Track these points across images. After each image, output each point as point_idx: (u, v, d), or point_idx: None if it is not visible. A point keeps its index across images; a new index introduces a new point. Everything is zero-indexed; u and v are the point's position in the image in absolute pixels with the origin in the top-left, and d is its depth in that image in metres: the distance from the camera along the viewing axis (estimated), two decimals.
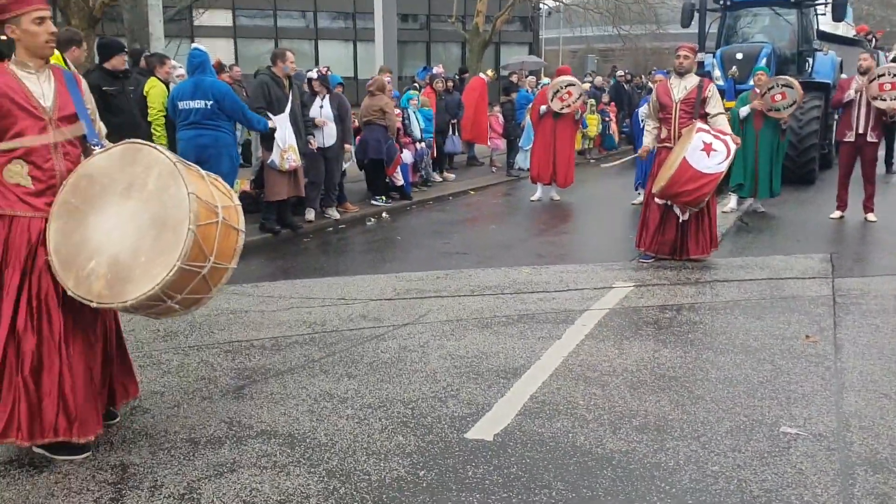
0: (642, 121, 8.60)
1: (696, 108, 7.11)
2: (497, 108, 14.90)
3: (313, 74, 9.42)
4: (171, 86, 8.14)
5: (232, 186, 8.10)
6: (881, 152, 13.70)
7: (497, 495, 3.15)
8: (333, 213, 9.66)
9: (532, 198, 11.50)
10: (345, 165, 10.34)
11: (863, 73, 9.15)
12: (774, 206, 10.23)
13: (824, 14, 13.90)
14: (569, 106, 10.72)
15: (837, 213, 9.49)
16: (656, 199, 7.12)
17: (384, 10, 16.13)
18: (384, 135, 10.37)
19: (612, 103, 17.82)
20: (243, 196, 9.39)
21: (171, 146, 7.70)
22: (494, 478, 3.28)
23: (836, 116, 10.83)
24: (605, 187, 13.00)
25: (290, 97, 8.35)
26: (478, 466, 3.38)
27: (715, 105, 7.13)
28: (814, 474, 3.32)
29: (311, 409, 4.00)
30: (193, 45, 8.31)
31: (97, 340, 3.46)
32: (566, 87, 10.79)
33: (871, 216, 9.27)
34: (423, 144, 12.13)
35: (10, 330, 3.25)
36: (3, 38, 3.28)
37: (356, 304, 6.02)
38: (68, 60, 6.48)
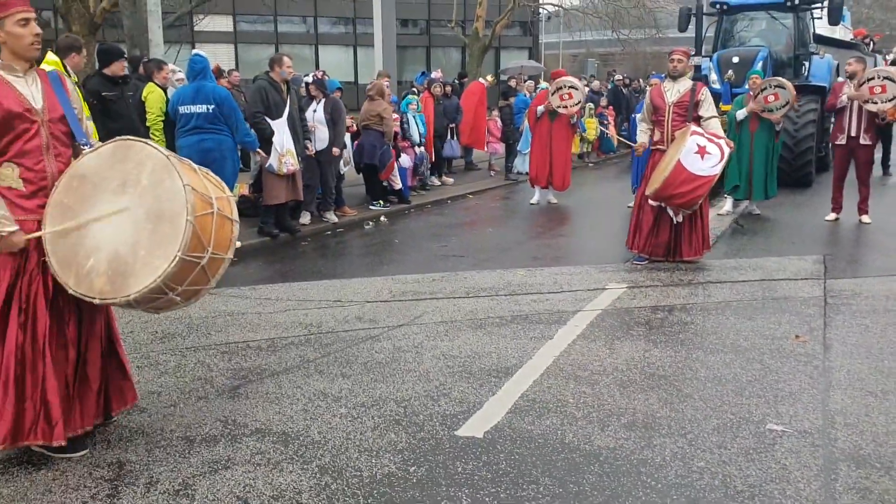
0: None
1: (689, 112, 7.18)
2: (495, 113, 15.00)
3: (309, 79, 9.51)
4: (170, 91, 8.23)
5: (232, 190, 8.18)
6: (878, 155, 13.82)
7: (485, 490, 3.22)
8: (331, 217, 9.73)
9: (531, 201, 11.57)
10: (343, 169, 10.42)
11: (850, 77, 9.23)
12: (770, 209, 10.29)
13: (820, 18, 13.97)
14: (566, 108, 10.79)
15: (832, 215, 9.56)
16: (650, 202, 7.18)
17: (383, 16, 16.23)
18: (380, 140, 10.45)
19: (611, 107, 17.91)
20: (242, 200, 9.48)
21: (170, 150, 7.78)
22: (483, 473, 3.35)
23: (833, 119, 10.90)
24: (603, 190, 13.08)
25: (288, 102, 8.44)
26: (467, 462, 3.44)
27: (708, 108, 7.20)
28: (797, 470, 3.38)
29: (306, 407, 4.06)
30: (194, 50, 8.40)
31: (73, 345, 3.46)
32: (569, 87, 10.85)
33: (865, 218, 9.33)
34: (422, 149, 12.22)
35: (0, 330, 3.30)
36: None
37: (352, 306, 6.09)
38: (68, 66, 6.57)
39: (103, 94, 7.22)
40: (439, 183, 13.38)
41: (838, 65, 14.58)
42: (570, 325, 5.45)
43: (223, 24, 30.09)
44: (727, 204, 10.24)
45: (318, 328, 5.51)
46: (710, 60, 13.43)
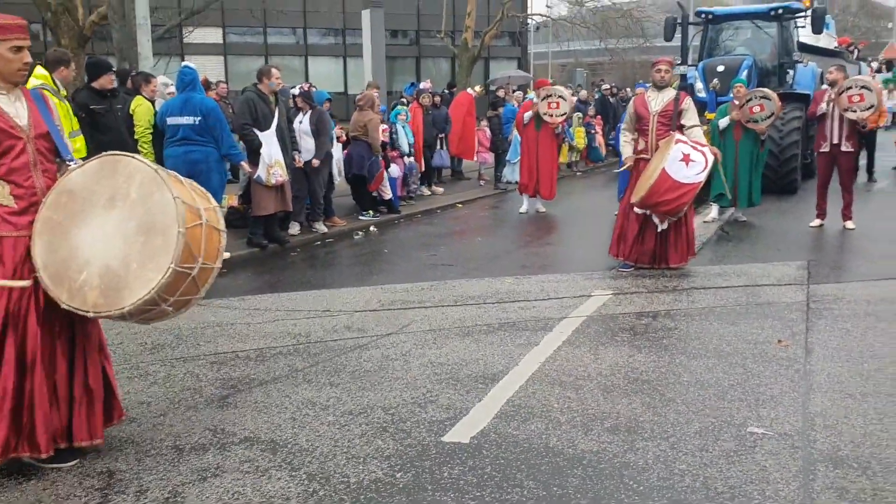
0: None
1: (673, 121, 7.28)
2: (484, 123, 15.10)
3: (296, 91, 9.59)
4: (158, 103, 8.29)
5: (220, 202, 8.24)
6: (863, 161, 13.98)
7: (471, 494, 3.27)
8: (321, 228, 9.79)
9: (519, 210, 11.66)
10: (337, 179, 10.50)
11: (830, 85, 9.37)
12: (756, 216, 10.40)
13: (804, 27, 14.15)
14: (551, 116, 10.89)
15: (817, 222, 9.67)
16: (636, 209, 7.27)
17: (372, 27, 16.32)
18: (368, 151, 10.52)
19: (598, 116, 18.05)
20: (231, 211, 9.54)
21: (158, 162, 7.83)
22: (469, 478, 3.40)
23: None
24: (591, 199, 13.18)
25: (277, 113, 8.51)
26: (453, 467, 3.50)
27: (691, 117, 7.31)
28: (777, 471, 3.45)
29: (294, 416, 4.11)
30: (184, 62, 8.47)
31: (64, 359, 3.48)
32: (557, 97, 10.96)
33: (849, 224, 9.45)
34: (411, 159, 12.30)
35: None
36: None
37: (341, 316, 6.14)
38: (57, 80, 6.63)
39: (92, 107, 7.28)
40: (429, 193, 13.46)
41: (822, 73, 14.76)
42: (555, 332, 5.52)
43: (213, 35, 30.15)
44: (713, 211, 10.34)
45: (307, 338, 5.55)
46: (696, 69, 13.58)
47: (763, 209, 10.57)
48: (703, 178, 6.97)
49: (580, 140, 16.82)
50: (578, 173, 16.99)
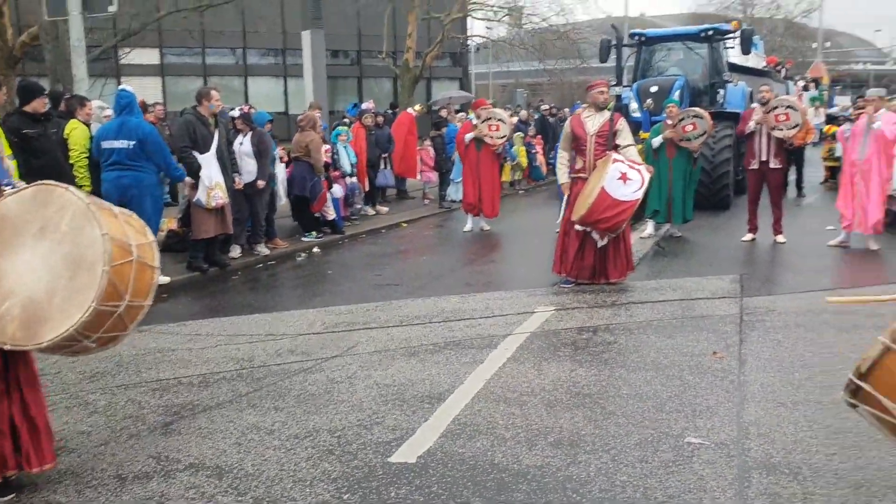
0: None
1: (609, 141, 7.49)
2: (428, 143, 15.21)
3: (235, 113, 9.54)
4: (94, 127, 8.15)
5: (157, 227, 8.14)
6: (792, 177, 14.53)
7: None
8: (262, 250, 9.71)
9: (464, 228, 11.76)
10: (282, 200, 10.45)
11: (763, 104, 9.76)
12: (690, 231, 10.71)
13: (734, 48, 14.68)
14: (491, 138, 11.06)
15: (749, 236, 10.01)
16: (577, 227, 7.42)
17: (313, 47, 16.30)
18: (310, 171, 10.50)
19: (539, 136, 18.35)
20: (170, 235, 9.40)
21: (95, 187, 7.70)
22: (416, 497, 3.43)
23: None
24: (533, 217, 13.37)
25: (217, 135, 8.44)
26: (400, 487, 3.52)
27: (625, 137, 7.53)
28: (713, 479, 3.57)
29: (239, 441, 4.08)
30: (121, 86, 8.35)
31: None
32: (497, 120, 11.16)
33: (780, 238, 9.81)
34: (353, 179, 12.31)
35: None
36: None
37: (284, 340, 6.11)
38: None
39: (24, 131, 7.11)
40: (373, 212, 13.47)
41: (752, 92, 15.32)
42: (500, 349, 5.60)
43: (150, 56, 29.69)
44: (649, 227, 10.61)
45: (251, 362, 5.51)
46: (631, 90, 13.95)
47: (697, 225, 10.88)
48: (640, 195, 7.18)
49: (524, 159, 17.07)
50: (521, 192, 17.22)
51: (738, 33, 14.14)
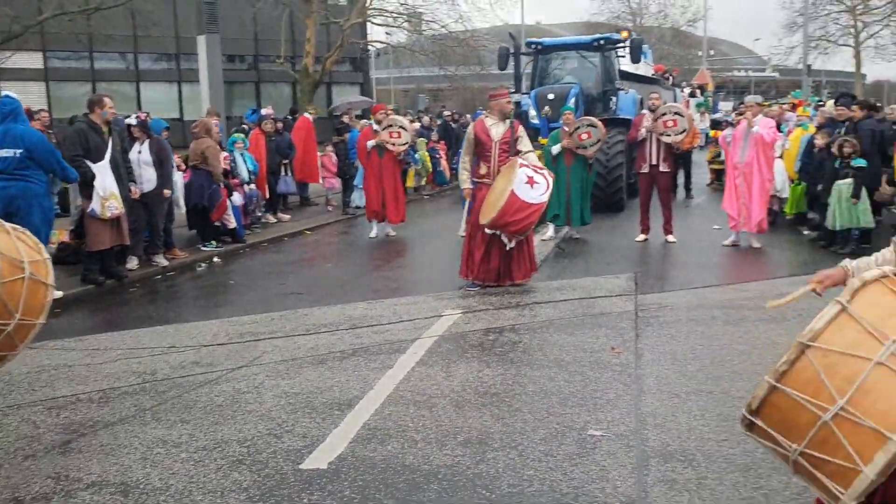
0: None
1: (511, 147, 7.69)
2: (329, 148, 15.12)
3: (132, 121, 9.25)
4: None
5: (47, 238, 7.78)
6: (681, 180, 15.26)
7: None
8: (161, 261, 9.43)
9: (369, 235, 11.76)
10: (181, 209, 10.18)
11: (653, 111, 10.24)
12: (588, 233, 11.09)
13: (624, 56, 15.28)
14: (393, 145, 11.13)
15: (642, 237, 10.46)
16: (486, 230, 7.55)
17: (209, 51, 15.93)
18: (208, 179, 10.28)
19: (442, 141, 18.57)
20: (62, 247, 9.01)
21: None
22: (329, 502, 3.45)
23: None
24: (439, 222, 13.50)
25: (110, 144, 8.16)
26: (312, 493, 3.54)
27: (526, 143, 7.77)
28: (614, 469, 3.75)
29: (145, 456, 3.99)
30: (4, 92, 7.95)
31: None
32: (398, 127, 11.22)
33: (670, 238, 10.30)
34: (252, 186, 12.11)
35: None
36: None
37: (188, 352, 5.98)
38: None
39: None
40: (275, 220, 13.29)
41: (642, 99, 15.99)
42: (409, 353, 5.66)
43: (32, 60, 28.20)
44: (550, 230, 10.92)
45: (153, 376, 5.37)
46: (529, 97, 14.31)
47: (594, 227, 11.27)
48: (546, 198, 7.43)
49: (429, 163, 17.23)
50: (426, 197, 17.36)
51: (628, 42, 14.74)
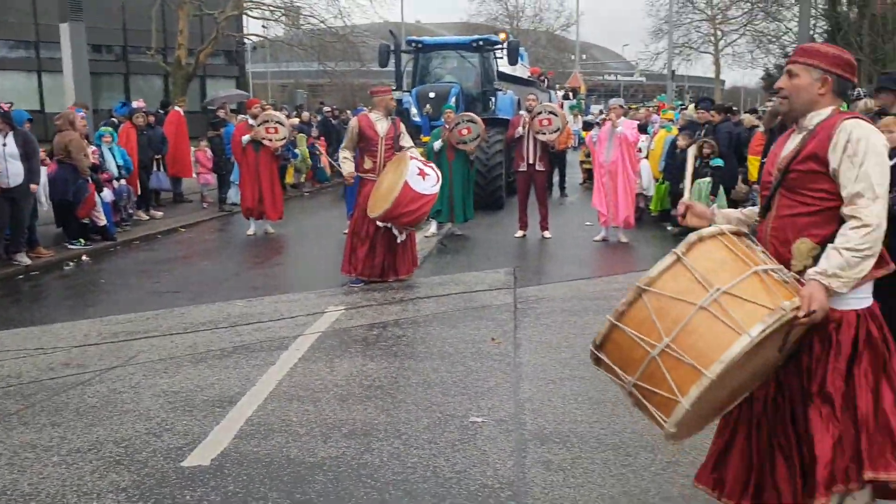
0: None
1: (395, 143, 7.77)
2: (204, 143, 14.68)
3: None
4: None
5: None
6: (556, 179, 15.83)
7: None
8: (24, 259, 8.90)
9: (247, 232, 11.52)
10: (45, 206, 9.63)
11: (530, 111, 10.59)
12: (469, 229, 11.33)
13: (502, 58, 15.66)
14: (271, 140, 10.95)
15: (520, 233, 10.81)
16: (377, 223, 7.56)
17: (73, 40, 15.09)
18: (73, 174, 9.78)
19: (322, 137, 18.39)
20: None
21: None
22: (212, 497, 3.42)
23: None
24: (320, 218, 13.42)
25: None
26: (195, 490, 3.49)
27: (407, 140, 7.89)
28: (494, 453, 3.91)
29: (11, 461, 3.80)
30: None
31: None
32: (275, 122, 11.04)
33: (546, 234, 10.69)
34: (123, 182, 11.61)
35: None
36: None
37: (57, 353, 5.70)
38: None
39: None
40: (147, 217, 12.79)
41: (519, 99, 16.45)
42: (291, 350, 5.64)
43: None
44: (432, 227, 11.09)
45: (18, 379, 5.10)
46: (410, 95, 14.44)
47: (475, 223, 11.53)
48: (437, 189, 7.57)
49: (308, 159, 17.03)
50: (306, 194, 17.17)
51: (505, 44, 15.14)
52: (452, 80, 14.69)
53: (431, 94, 13.77)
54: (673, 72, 36.40)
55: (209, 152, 14.40)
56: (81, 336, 6.17)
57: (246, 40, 31.42)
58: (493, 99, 15.02)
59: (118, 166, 11.50)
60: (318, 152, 17.79)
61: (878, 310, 2.69)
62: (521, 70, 20.18)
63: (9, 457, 3.86)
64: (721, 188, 9.62)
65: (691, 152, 3.85)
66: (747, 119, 11.48)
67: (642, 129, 13.37)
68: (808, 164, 2.61)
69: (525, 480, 3.62)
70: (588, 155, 15.71)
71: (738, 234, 2.66)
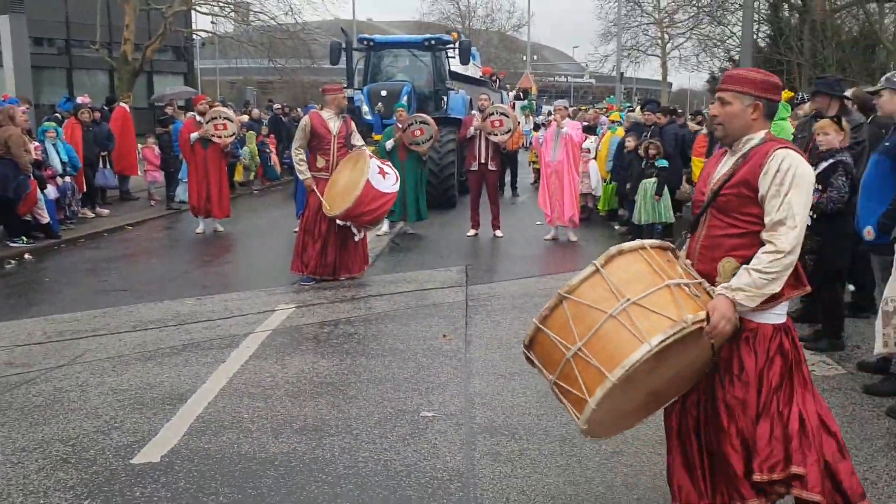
0: None
1: (347, 141, 7.78)
2: (151, 140, 14.45)
3: None
4: None
5: None
6: (508, 179, 15.98)
7: None
8: None
9: (196, 230, 11.38)
10: None
11: (482, 111, 10.70)
12: (422, 228, 11.38)
13: (454, 57, 15.75)
14: (220, 137, 10.85)
15: (472, 231, 10.91)
16: (338, 221, 7.55)
17: (13, 33, 14.72)
18: (13, 170, 9.54)
19: (272, 135, 18.23)
20: None
21: None
22: (162, 494, 3.42)
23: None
24: (270, 216, 13.32)
25: None
26: (145, 487, 3.48)
27: (358, 138, 7.90)
28: (445, 446, 3.98)
29: None
30: None
31: None
32: (223, 119, 10.93)
33: (498, 232, 10.81)
34: (68, 179, 11.36)
35: None
36: None
37: None
38: None
39: None
40: (92, 215, 12.53)
41: (471, 99, 16.56)
42: (242, 347, 5.63)
43: None
44: (384, 225, 11.10)
45: None
46: (362, 93, 14.42)
47: (427, 222, 11.57)
48: (397, 188, 7.62)
49: (257, 157, 16.87)
50: (255, 192, 17.01)
51: (457, 44, 15.22)
52: (404, 79, 14.71)
53: (383, 93, 13.77)
54: (621, 74, 37.03)
55: (157, 149, 14.17)
56: (25, 335, 6.05)
57: (194, 36, 30.92)
58: (445, 98, 15.09)
59: (63, 163, 11.26)
60: (267, 150, 17.65)
61: (792, 325, 2.86)
62: (473, 70, 20.30)
63: None
64: (666, 188, 9.85)
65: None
66: (690, 125, 11.76)
67: (591, 130, 13.60)
68: (740, 189, 2.74)
69: (474, 472, 3.70)
70: (538, 155, 15.92)
71: (662, 248, 2.81)
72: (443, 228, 11.71)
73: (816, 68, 22.84)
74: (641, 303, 2.59)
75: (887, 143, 4.98)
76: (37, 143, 10.70)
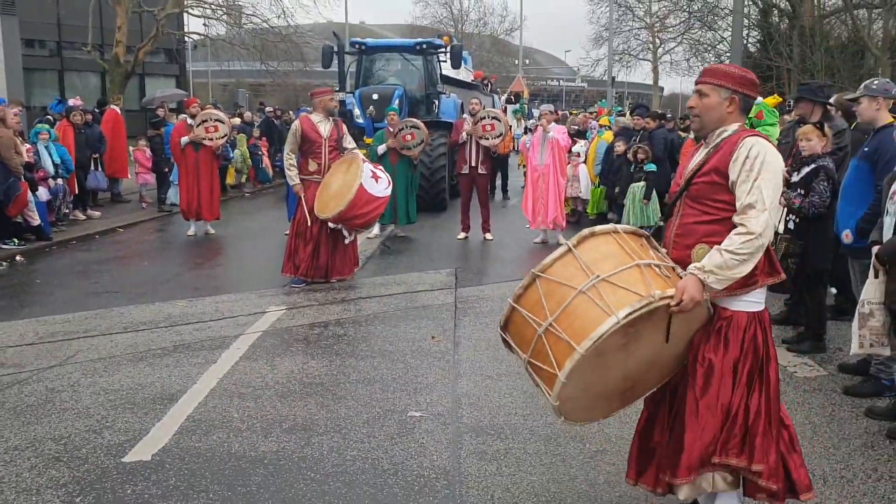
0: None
1: (338, 144, 7.84)
2: (143, 143, 14.48)
3: None
4: None
5: None
6: (499, 182, 16.07)
7: None
8: None
9: (188, 233, 11.42)
10: None
11: (473, 115, 10.78)
12: (412, 231, 11.46)
13: (446, 61, 15.82)
14: (212, 139, 10.90)
15: (462, 235, 10.98)
16: (329, 224, 7.62)
17: (5, 35, 14.80)
18: (3, 172, 9.55)
19: (264, 138, 18.28)
20: None
21: None
22: (154, 491, 3.48)
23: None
24: (261, 219, 13.37)
25: None
26: (136, 484, 3.54)
27: (350, 141, 7.97)
28: (432, 445, 4.05)
29: None
30: None
31: None
32: (214, 121, 10.98)
33: (488, 236, 10.89)
34: (60, 181, 11.39)
35: None
36: None
37: None
38: None
39: None
40: (84, 217, 12.56)
41: (463, 103, 16.64)
42: (232, 349, 5.68)
43: None
44: (375, 228, 11.15)
45: None
46: (353, 96, 14.48)
47: (418, 225, 11.66)
48: (389, 191, 7.70)
49: (249, 160, 16.91)
50: (247, 194, 17.05)
51: (449, 48, 15.31)
52: (396, 83, 14.78)
53: (375, 96, 13.84)
54: (613, 78, 37.15)
55: (148, 152, 14.21)
56: (17, 336, 6.09)
57: (186, 38, 30.92)
58: (436, 102, 15.16)
59: (55, 165, 11.29)
60: (259, 153, 17.69)
61: (767, 316, 2.94)
62: (465, 74, 20.39)
63: None
64: (654, 192, 9.95)
65: None
66: (680, 133, 11.88)
67: (581, 134, 13.70)
68: (711, 177, 2.83)
69: (460, 471, 3.77)
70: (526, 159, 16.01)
71: (636, 234, 2.90)
72: (433, 231, 11.78)
73: (805, 74, 23.05)
74: (611, 279, 2.67)
75: (866, 149, 5.08)
76: (29, 146, 10.73)
